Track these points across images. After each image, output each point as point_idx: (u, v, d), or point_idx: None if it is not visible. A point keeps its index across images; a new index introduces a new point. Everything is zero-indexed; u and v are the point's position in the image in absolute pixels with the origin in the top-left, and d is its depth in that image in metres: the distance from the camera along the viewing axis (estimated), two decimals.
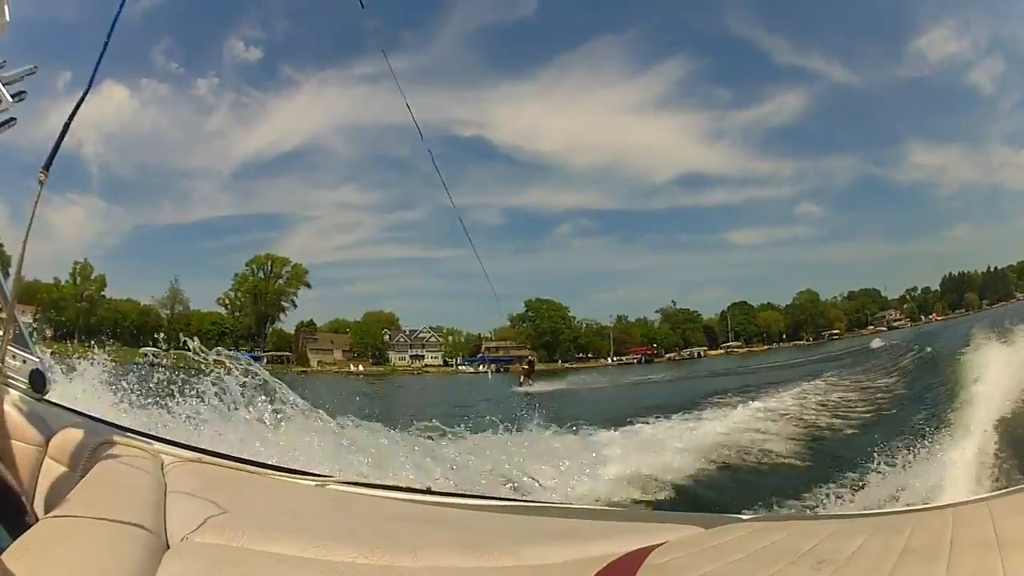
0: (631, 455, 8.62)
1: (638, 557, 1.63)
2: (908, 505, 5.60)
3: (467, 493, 2.78)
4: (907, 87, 59.24)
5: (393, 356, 58.81)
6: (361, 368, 57.13)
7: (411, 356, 58.06)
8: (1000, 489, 5.28)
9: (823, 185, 63.36)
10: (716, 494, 7.35)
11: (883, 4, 58.00)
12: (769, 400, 13.85)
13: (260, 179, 68.53)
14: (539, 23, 61.58)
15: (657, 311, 45.77)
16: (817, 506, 6.30)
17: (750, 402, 13.82)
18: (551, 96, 60.94)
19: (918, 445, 7.90)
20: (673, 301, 46.38)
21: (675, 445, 9.26)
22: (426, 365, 57.90)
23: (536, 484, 6.80)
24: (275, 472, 2.71)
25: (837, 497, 6.51)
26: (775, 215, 66.08)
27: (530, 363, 27.12)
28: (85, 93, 2.56)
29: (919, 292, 43.54)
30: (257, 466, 2.71)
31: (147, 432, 2.96)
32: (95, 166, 50.62)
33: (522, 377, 26.16)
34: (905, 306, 43.70)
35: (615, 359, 47.42)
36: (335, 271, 76.19)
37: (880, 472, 6.99)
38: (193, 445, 2.72)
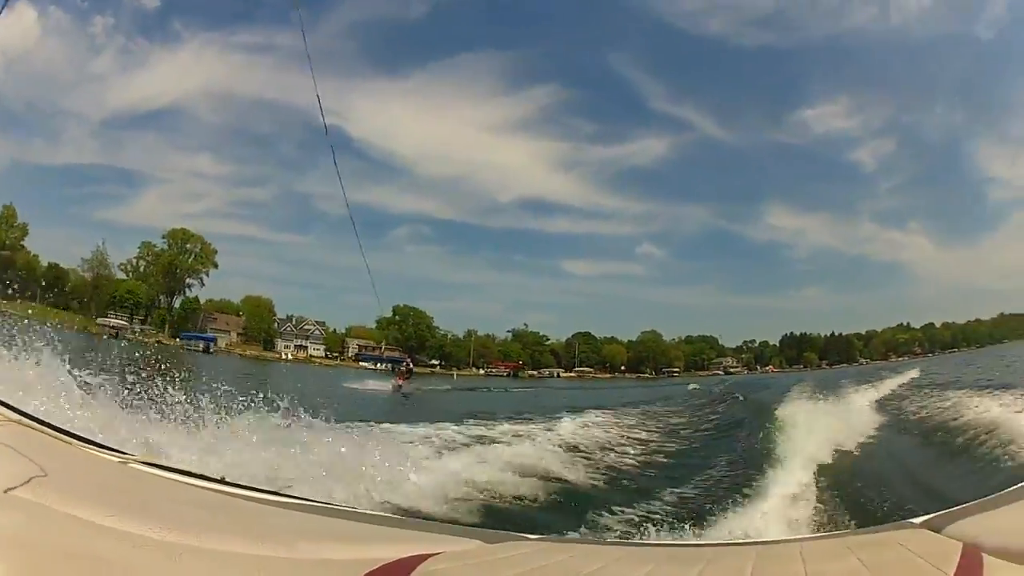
0: (448, 462, 8.57)
1: (410, 564, 1.65)
2: (710, 539, 5.54)
3: (260, 488, 2.83)
4: (779, 152, 62.07)
5: (279, 343, 59.93)
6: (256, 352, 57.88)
7: (296, 346, 59.22)
8: (815, 533, 5.45)
9: (670, 230, 66.04)
10: (512, 510, 7.17)
11: (778, 71, 61.58)
12: (581, 425, 13.59)
13: (128, 131, 65.43)
14: (425, 26, 60.66)
15: (509, 330, 47.83)
16: (616, 532, 6.19)
17: (560, 422, 13.83)
18: (418, 100, 62.61)
19: (726, 484, 8.06)
20: (525, 323, 48.76)
21: (489, 456, 9.14)
22: (310, 356, 59.05)
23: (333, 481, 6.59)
24: (86, 444, 2.79)
25: (636, 525, 6.36)
26: (615, 251, 67.12)
27: (409, 367, 28.48)
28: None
29: (757, 344, 45.96)
30: (70, 436, 2.78)
31: None
32: None
33: (398, 378, 27.42)
34: (743, 356, 45.97)
35: (485, 370, 49.25)
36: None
37: (685, 506, 6.93)
38: (17, 407, 2.78)
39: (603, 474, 9.32)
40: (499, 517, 6.74)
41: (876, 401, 18.24)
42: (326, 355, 57.79)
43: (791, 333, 46.03)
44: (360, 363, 57.25)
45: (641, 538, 5.71)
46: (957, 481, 7.91)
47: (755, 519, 6.48)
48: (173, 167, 69.98)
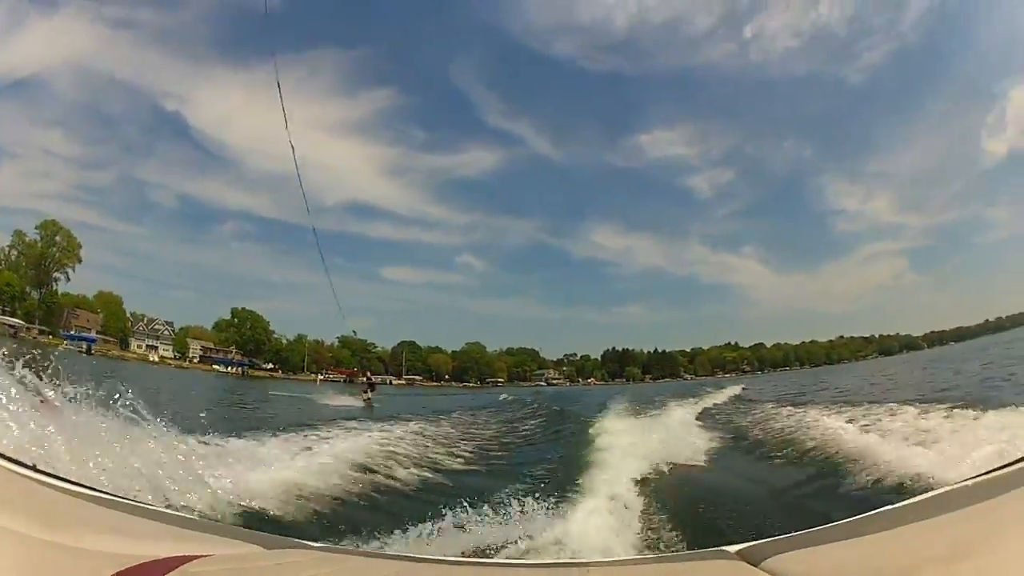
0: (261, 466, 8.15)
1: (170, 563, 1.63)
2: (509, 557, 5.49)
3: (55, 474, 2.70)
4: (611, 173, 63.39)
5: (133, 343, 58.48)
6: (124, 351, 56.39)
7: (147, 346, 57.79)
8: (626, 555, 5.45)
9: (492, 242, 67.71)
10: (309, 517, 6.91)
11: (620, 96, 62.84)
12: (384, 432, 13.09)
13: None
14: (277, 17, 55.90)
15: (338, 337, 47.46)
16: (408, 541, 5.97)
17: (366, 432, 13.10)
18: (258, 92, 55.99)
19: (533, 499, 7.60)
20: (354, 331, 48.72)
21: (301, 462, 8.83)
22: (162, 357, 57.69)
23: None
24: None
25: (431, 534, 6.18)
26: (436, 260, 69.00)
27: (370, 383, 29.01)
28: None
29: (578, 357, 46.47)
30: None
31: None
32: None
33: (363, 393, 27.92)
34: (564, 368, 46.43)
35: (323, 375, 48.67)
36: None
37: (490, 519, 6.68)
38: None
39: (408, 484, 9.07)
40: (294, 524, 6.56)
41: (696, 416, 18.02)
42: (174, 356, 56.54)
43: (613, 348, 47.02)
44: (213, 366, 56.32)
45: (441, 553, 5.53)
46: (782, 506, 7.70)
47: (562, 537, 6.17)
48: (26, 141, 65.73)
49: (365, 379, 30.31)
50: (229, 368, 55.06)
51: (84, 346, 53.04)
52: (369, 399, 27.25)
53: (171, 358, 57.14)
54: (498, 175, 62.51)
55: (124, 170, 59.77)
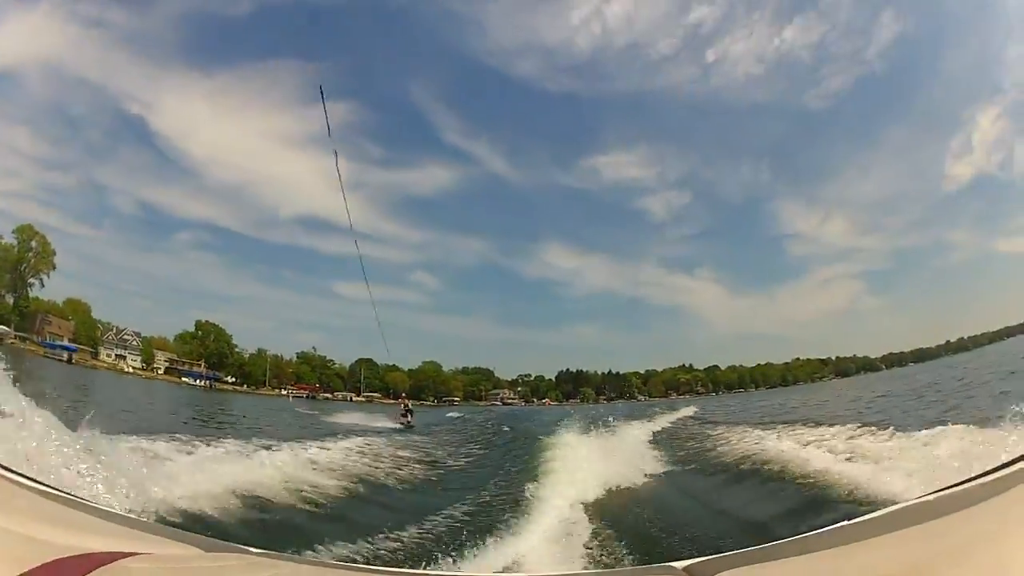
0: (210, 471, 8.46)
1: (102, 559, 1.62)
2: (459, 570, 5.40)
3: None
4: (566, 194, 63.32)
5: (102, 352, 59.03)
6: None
7: (116, 355, 58.45)
8: (572, 570, 5.39)
9: (444, 260, 66.22)
10: (254, 522, 7.08)
11: (578, 117, 62.89)
12: (332, 446, 13.30)
13: None
14: (241, 24, 59.31)
15: (298, 353, 48.46)
16: (345, 552, 6.04)
17: (307, 443, 13.59)
18: (220, 100, 60.21)
19: (482, 516, 7.90)
20: (314, 347, 49.55)
21: (254, 470, 9.12)
22: (132, 367, 58.31)
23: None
24: None
25: (371, 544, 6.29)
26: (388, 277, 63.27)
27: (408, 408, 30.16)
28: None
29: (533, 378, 47.56)
30: None
31: None
32: None
33: (404, 415, 29.01)
34: (519, 388, 47.50)
35: (288, 391, 49.65)
36: None
37: (438, 533, 6.86)
38: None
39: (352, 495, 9.22)
40: (239, 528, 6.64)
41: (648, 437, 18.43)
42: (142, 366, 57.23)
43: (567, 369, 48.07)
44: (183, 379, 56.96)
45: (382, 563, 5.52)
46: (731, 524, 7.69)
47: (510, 553, 6.27)
48: None
49: (404, 405, 31.85)
50: (197, 381, 55.77)
51: (66, 355, 53.42)
52: (410, 423, 28.18)
53: (140, 369, 57.77)
54: (453, 193, 61.78)
55: (86, 173, 59.52)
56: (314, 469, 10.42)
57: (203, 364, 56.86)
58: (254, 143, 60.83)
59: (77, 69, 56.72)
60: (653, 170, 63.35)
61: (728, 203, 64.23)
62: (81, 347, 58.85)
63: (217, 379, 54.88)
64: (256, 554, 2.57)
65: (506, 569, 5.63)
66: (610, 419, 23.89)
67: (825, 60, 61.63)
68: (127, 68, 54.54)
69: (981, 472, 2.16)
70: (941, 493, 2.12)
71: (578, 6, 61.14)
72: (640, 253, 67.64)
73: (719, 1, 59.45)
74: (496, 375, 47.87)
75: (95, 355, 59.46)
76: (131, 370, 58.02)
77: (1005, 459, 2.07)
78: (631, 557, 6.03)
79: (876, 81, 58.34)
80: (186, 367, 54.53)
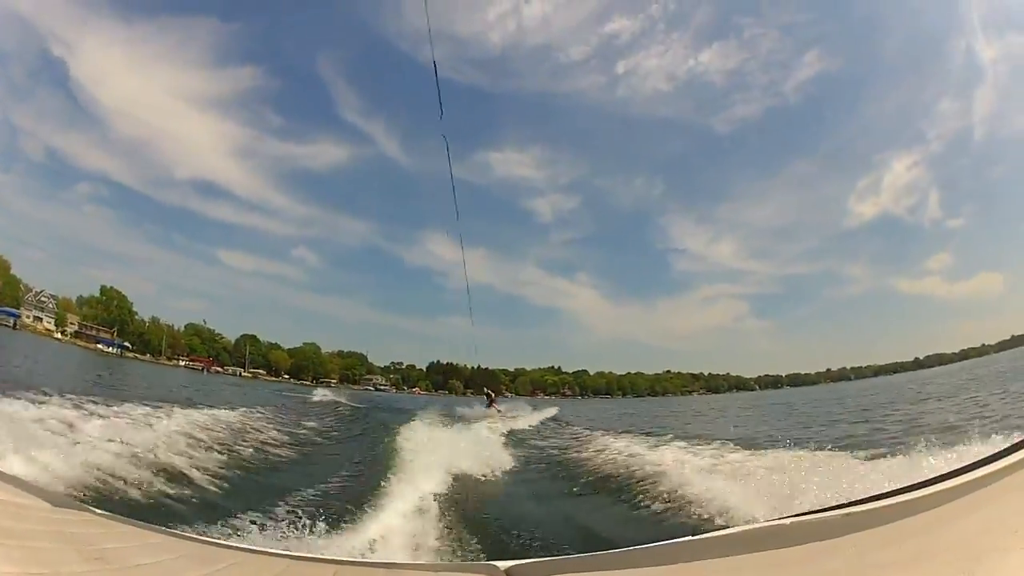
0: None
1: None
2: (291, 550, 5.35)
3: None
4: (455, 185, 63.83)
5: (23, 313, 61.75)
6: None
7: (34, 317, 61.28)
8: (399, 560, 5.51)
9: (327, 238, 67.28)
10: (118, 496, 7.13)
11: (477, 111, 62.56)
12: (190, 420, 13.05)
13: None
14: None
15: (188, 324, 51.81)
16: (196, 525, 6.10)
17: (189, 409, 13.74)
18: (137, 49, 59.83)
19: (333, 500, 8.01)
20: (204, 319, 52.28)
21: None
22: (47, 330, 61.03)
23: None
24: None
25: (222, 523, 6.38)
26: (271, 249, 66.68)
27: (490, 395, 32.19)
28: None
29: (404, 366, 51.11)
30: None
31: None
32: None
33: (490, 403, 31.06)
34: (391, 375, 51.05)
35: (186, 363, 52.77)
36: None
37: (295, 518, 6.87)
38: None
39: (211, 471, 9.29)
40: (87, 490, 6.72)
41: (503, 434, 18.75)
42: (56, 329, 59.84)
43: (438, 361, 51.38)
44: (97, 345, 59.57)
45: (226, 538, 5.59)
46: (569, 528, 7.87)
47: (362, 538, 6.41)
48: None
49: (489, 393, 33.23)
50: (109, 348, 58.07)
51: (11, 321, 54.70)
52: (500, 410, 29.94)
53: (57, 332, 60.36)
54: (344, 171, 62.58)
55: (3, 111, 58.01)
56: (165, 443, 10.31)
57: (114, 331, 59.89)
58: (161, 98, 60.61)
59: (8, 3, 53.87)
60: (545, 172, 65.50)
61: (617, 212, 66.29)
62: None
63: (125, 347, 57.46)
64: (98, 514, 2.57)
65: (348, 554, 5.74)
66: (471, 412, 26.53)
67: (739, 87, 64.82)
68: (58, 6, 55.21)
69: (836, 504, 2.18)
70: (798, 518, 2.11)
71: (498, 2, 63.69)
72: (522, 252, 68.76)
73: (642, 16, 62.61)
74: (369, 360, 51.41)
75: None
76: (45, 332, 58.63)
77: (852, 492, 2.35)
78: (460, 551, 6.18)
79: (788, 113, 60.71)
80: (93, 332, 57.37)
